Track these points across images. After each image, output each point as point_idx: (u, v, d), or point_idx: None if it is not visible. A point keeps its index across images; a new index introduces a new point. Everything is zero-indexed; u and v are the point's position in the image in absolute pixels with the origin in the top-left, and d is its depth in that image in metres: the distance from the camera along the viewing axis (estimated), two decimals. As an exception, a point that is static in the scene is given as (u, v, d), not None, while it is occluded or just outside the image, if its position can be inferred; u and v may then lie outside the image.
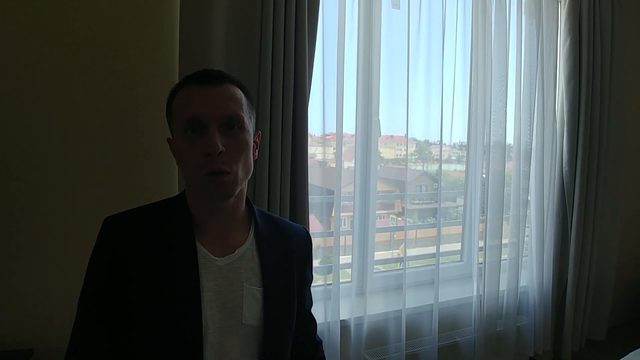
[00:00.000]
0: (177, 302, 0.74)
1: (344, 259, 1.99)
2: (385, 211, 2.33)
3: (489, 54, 2.04)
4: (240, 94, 0.79)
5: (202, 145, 0.73)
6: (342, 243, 1.88)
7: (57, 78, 1.37)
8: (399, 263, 2.17)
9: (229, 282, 0.79)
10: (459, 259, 2.34)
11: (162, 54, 1.48)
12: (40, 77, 1.35)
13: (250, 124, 0.81)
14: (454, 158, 2.33)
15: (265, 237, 0.87)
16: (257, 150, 0.86)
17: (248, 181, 0.84)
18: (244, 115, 0.78)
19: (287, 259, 0.89)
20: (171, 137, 0.84)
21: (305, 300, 0.97)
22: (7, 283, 1.38)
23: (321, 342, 1.05)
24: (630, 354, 1.92)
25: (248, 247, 0.84)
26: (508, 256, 2.18)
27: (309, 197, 1.64)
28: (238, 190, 0.79)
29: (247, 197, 0.88)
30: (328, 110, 1.77)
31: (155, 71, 1.47)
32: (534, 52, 2.15)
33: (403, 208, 2.04)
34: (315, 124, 1.77)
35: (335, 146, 1.78)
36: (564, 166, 2.27)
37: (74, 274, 0.97)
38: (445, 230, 2.32)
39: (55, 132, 1.38)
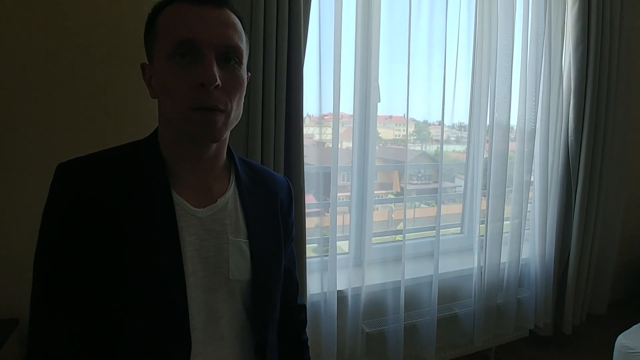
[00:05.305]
0: (156, 260, 0.66)
1: (342, 237, 1.95)
2: (383, 191, 2.29)
3: (495, 19, 1.95)
4: (239, 23, 0.70)
5: (195, 75, 0.62)
6: (339, 223, 1.83)
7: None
8: (397, 235, 2.13)
9: (211, 235, 0.72)
10: (459, 231, 2.29)
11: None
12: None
13: (246, 60, 0.72)
14: (452, 139, 2.29)
15: (247, 186, 0.79)
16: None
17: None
18: (243, 48, 0.68)
19: (272, 209, 0.82)
20: (147, 63, 0.72)
21: (287, 257, 0.89)
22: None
23: (304, 306, 0.99)
24: (634, 326, 1.89)
25: (230, 197, 0.76)
26: (510, 229, 2.14)
27: (305, 175, 1.61)
28: (226, 134, 0.71)
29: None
30: (325, 91, 1.69)
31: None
32: (541, 16, 2.05)
33: (402, 188, 1.99)
34: (312, 105, 1.71)
35: (332, 126, 1.72)
36: (569, 135, 2.20)
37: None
38: (442, 209, 2.29)
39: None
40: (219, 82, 0.63)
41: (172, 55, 0.64)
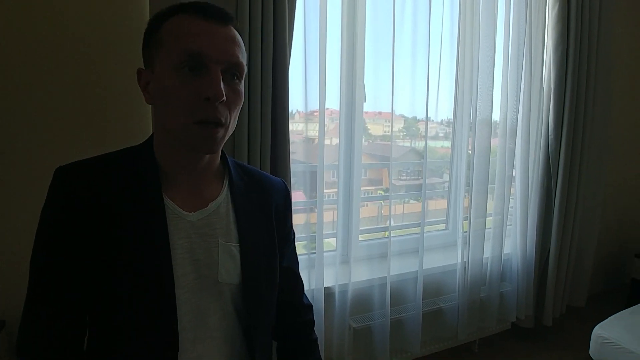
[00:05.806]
0: (146, 261, 0.68)
1: (330, 234, 1.97)
2: (373, 187, 2.31)
3: (477, 20, 1.99)
4: (241, 40, 0.72)
5: (200, 88, 0.63)
6: (327, 219, 1.85)
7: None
8: (385, 232, 2.16)
9: (202, 239, 0.73)
10: (444, 228, 2.34)
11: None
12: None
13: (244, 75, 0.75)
14: (441, 135, 2.32)
15: (241, 190, 0.80)
16: None
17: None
18: (244, 64, 0.71)
19: (265, 214, 0.83)
20: (144, 68, 0.72)
21: (288, 258, 0.91)
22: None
23: (311, 305, 1.00)
24: (610, 317, 1.97)
25: (222, 201, 0.77)
26: (492, 225, 2.19)
27: (293, 172, 1.63)
28: (222, 145, 0.73)
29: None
30: (311, 89, 1.70)
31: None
32: (522, 18, 2.10)
33: (389, 185, 2.02)
34: (300, 101, 1.72)
35: (319, 124, 1.73)
36: (549, 134, 2.27)
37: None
38: (431, 205, 2.32)
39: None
40: (224, 98, 0.65)
41: (180, 66, 0.65)
